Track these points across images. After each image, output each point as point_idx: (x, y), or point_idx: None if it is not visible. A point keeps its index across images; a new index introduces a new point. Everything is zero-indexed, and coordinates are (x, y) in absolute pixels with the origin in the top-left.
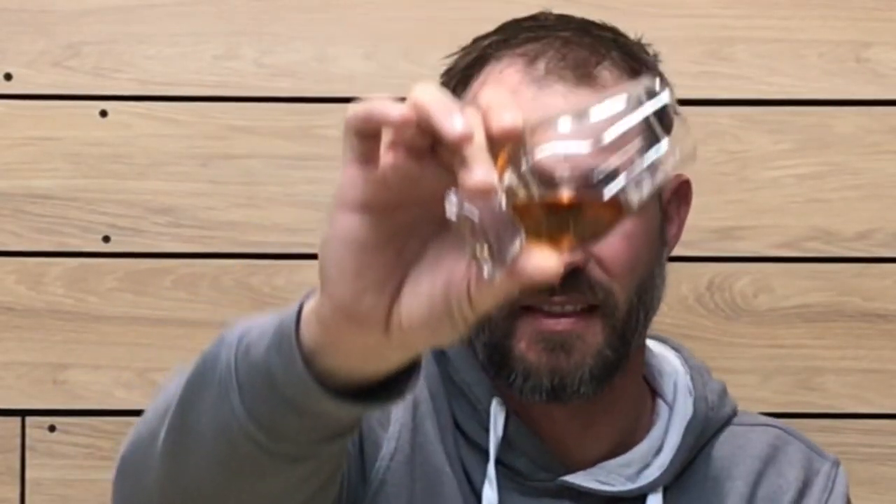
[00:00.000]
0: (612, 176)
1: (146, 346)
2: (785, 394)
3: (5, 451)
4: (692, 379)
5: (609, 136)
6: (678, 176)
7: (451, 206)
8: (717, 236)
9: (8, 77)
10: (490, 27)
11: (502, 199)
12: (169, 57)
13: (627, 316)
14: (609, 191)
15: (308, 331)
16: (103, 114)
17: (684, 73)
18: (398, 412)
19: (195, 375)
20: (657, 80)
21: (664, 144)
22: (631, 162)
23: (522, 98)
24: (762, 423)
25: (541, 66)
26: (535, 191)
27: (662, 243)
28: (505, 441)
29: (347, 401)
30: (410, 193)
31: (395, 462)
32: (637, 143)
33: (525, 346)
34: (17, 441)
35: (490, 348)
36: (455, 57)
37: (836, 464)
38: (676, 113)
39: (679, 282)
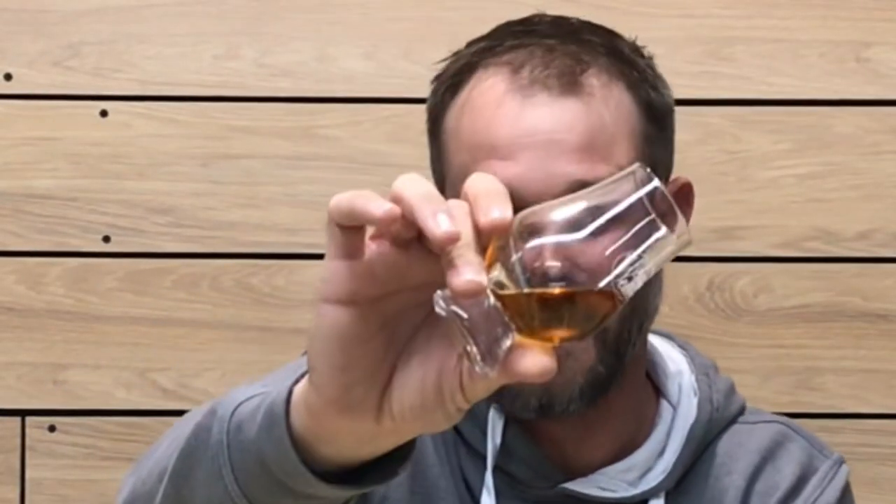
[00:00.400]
0: (604, 266)
1: (146, 346)
2: (785, 394)
3: (5, 451)
4: (697, 379)
5: (600, 224)
6: (678, 178)
7: (440, 306)
8: (717, 236)
9: (8, 77)
10: (490, 27)
11: (491, 297)
12: (169, 57)
13: (620, 329)
14: (602, 282)
15: (298, 419)
16: (103, 114)
17: (684, 73)
18: None
19: (187, 447)
20: (647, 169)
21: (660, 230)
22: (624, 250)
23: (506, 110)
24: (767, 419)
25: (525, 74)
26: (526, 284)
27: None
28: (504, 449)
29: (341, 484)
30: (398, 283)
31: (395, 480)
32: (629, 230)
33: None
34: (17, 441)
35: None
36: (446, 63)
37: (838, 462)
38: (667, 199)
39: (679, 282)
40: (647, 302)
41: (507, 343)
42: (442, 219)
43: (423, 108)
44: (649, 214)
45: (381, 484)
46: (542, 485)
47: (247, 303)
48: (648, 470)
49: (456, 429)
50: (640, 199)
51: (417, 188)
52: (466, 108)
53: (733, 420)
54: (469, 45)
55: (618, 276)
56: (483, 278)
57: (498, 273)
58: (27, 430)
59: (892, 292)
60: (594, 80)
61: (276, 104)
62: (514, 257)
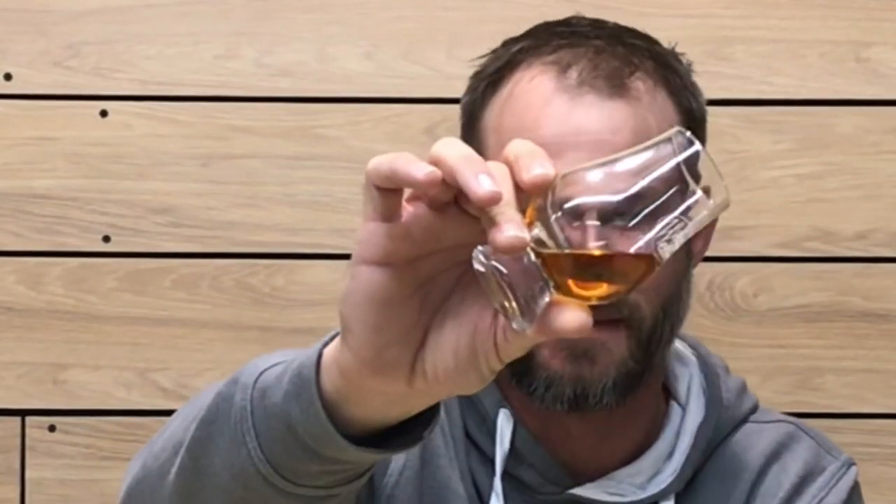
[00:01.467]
0: (642, 227)
1: (146, 346)
2: (785, 394)
3: (5, 451)
4: (706, 378)
5: (639, 186)
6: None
7: (479, 262)
8: (717, 236)
9: (8, 77)
10: (490, 27)
11: (531, 253)
12: (169, 57)
13: (653, 329)
14: (640, 243)
15: (329, 380)
16: (103, 114)
17: None
18: None
19: (208, 416)
20: (687, 132)
21: (696, 194)
22: (662, 212)
23: (555, 108)
24: (778, 419)
25: (573, 75)
26: (565, 243)
27: (688, 257)
28: (513, 453)
29: (369, 447)
30: (433, 244)
31: (404, 478)
32: (668, 193)
33: (549, 353)
34: (17, 441)
35: None
36: (484, 60)
37: (847, 464)
38: (708, 162)
39: None
40: (679, 307)
41: (545, 300)
42: (484, 179)
43: (423, 107)
44: (687, 178)
45: (406, 449)
46: (551, 490)
47: (247, 303)
48: (657, 473)
49: (466, 432)
50: (679, 163)
51: (458, 150)
52: (509, 104)
53: (745, 419)
54: (507, 43)
55: (656, 238)
56: (525, 234)
57: (538, 231)
58: (27, 430)
59: (892, 292)
60: (640, 84)
61: (276, 104)
62: (554, 217)
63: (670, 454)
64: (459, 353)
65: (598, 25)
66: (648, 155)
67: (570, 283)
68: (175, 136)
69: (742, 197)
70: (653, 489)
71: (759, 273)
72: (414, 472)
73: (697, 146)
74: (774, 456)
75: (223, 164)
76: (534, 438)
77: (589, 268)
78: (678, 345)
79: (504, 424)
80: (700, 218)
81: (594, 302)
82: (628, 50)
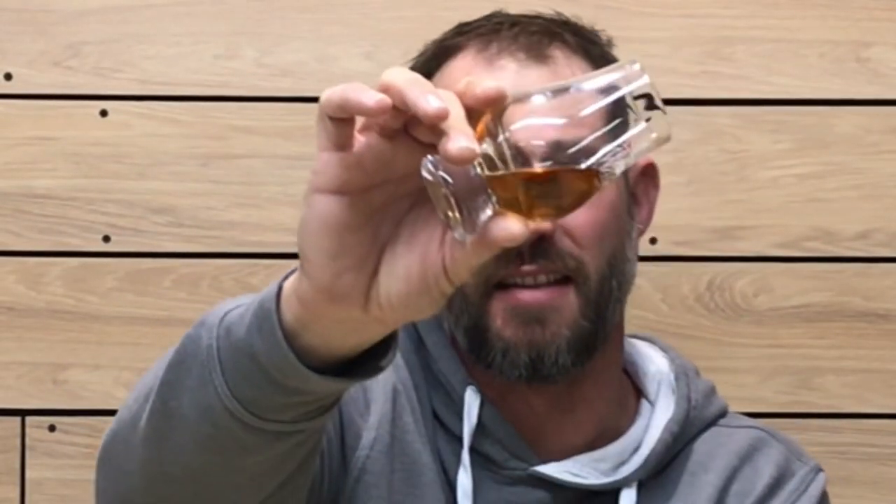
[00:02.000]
0: (586, 151)
1: (146, 346)
2: (785, 394)
3: (5, 451)
4: (677, 378)
5: (586, 111)
6: (644, 158)
7: (427, 170)
8: (717, 236)
9: (8, 77)
10: None
11: (477, 168)
12: (169, 57)
13: (600, 286)
14: (584, 164)
15: (289, 310)
16: (103, 114)
17: (684, 73)
18: (378, 402)
19: (176, 358)
20: (637, 64)
21: (640, 125)
22: (606, 139)
23: (474, 76)
24: (749, 425)
25: (493, 47)
26: (511, 161)
27: (630, 216)
28: (479, 429)
29: (330, 377)
30: (385, 173)
31: (375, 451)
32: (613, 121)
33: (501, 322)
34: (17, 441)
35: (470, 332)
36: (415, 60)
37: (816, 470)
38: (654, 96)
39: (679, 282)
40: (625, 267)
41: (488, 213)
42: (432, 98)
43: None
44: (633, 108)
45: (365, 379)
46: (516, 466)
47: None
48: (623, 463)
49: (435, 414)
50: (627, 93)
51: (406, 75)
52: (443, 87)
53: (713, 422)
54: (435, 42)
55: (599, 161)
56: (475, 146)
57: (486, 147)
58: (27, 430)
59: (892, 292)
60: (559, 52)
61: (276, 104)
62: (502, 136)
63: (637, 448)
64: (411, 278)
65: (517, 15)
66: (598, 82)
67: (514, 198)
68: (175, 135)
69: (742, 197)
70: (616, 476)
71: (759, 273)
72: (385, 447)
73: (646, 78)
74: (746, 457)
75: (223, 164)
76: (499, 414)
77: (532, 185)
78: (649, 347)
79: (472, 400)
80: (641, 148)
81: (536, 218)
82: (547, 22)
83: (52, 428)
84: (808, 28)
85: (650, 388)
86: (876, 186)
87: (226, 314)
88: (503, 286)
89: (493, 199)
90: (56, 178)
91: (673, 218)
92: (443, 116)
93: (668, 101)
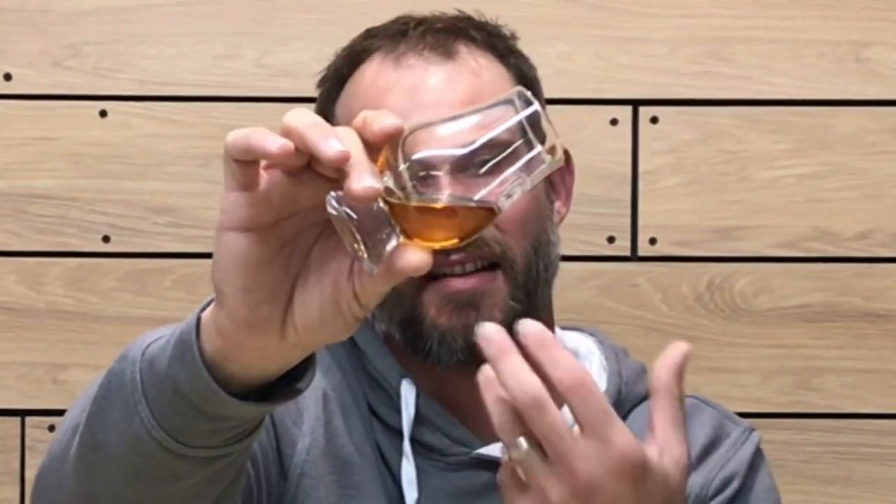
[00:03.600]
0: (485, 178)
1: None
2: (785, 394)
3: (5, 451)
4: (606, 357)
5: (482, 140)
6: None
7: (332, 206)
8: (717, 236)
9: (8, 77)
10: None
11: (380, 202)
12: (169, 57)
13: (527, 270)
14: (480, 194)
15: (209, 341)
16: (103, 114)
17: (684, 73)
18: (310, 409)
19: (101, 393)
20: (528, 91)
21: (534, 150)
22: (503, 166)
23: (392, 81)
24: None
25: (401, 48)
26: (411, 192)
27: (549, 200)
28: (418, 420)
29: (252, 402)
30: (291, 207)
31: (312, 456)
32: (509, 148)
33: (435, 311)
34: (17, 441)
35: (405, 324)
36: (327, 68)
37: (749, 430)
38: (545, 120)
39: (679, 282)
40: (549, 250)
41: (392, 243)
42: (332, 141)
43: None
44: (527, 135)
45: (286, 401)
46: (458, 451)
47: None
48: None
49: (373, 411)
50: (519, 121)
51: (305, 119)
52: (354, 91)
53: (646, 397)
54: (345, 48)
55: (496, 191)
56: (378, 184)
57: (387, 180)
58: (27, 430)
59: (892, 292)
60: (464, 48)
61: (276, 104)
62: (402, 167)
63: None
64: (324, 304)
65: (423, 17)
66: (491, 112)
67: (415, 229)
68: (174, 136)
69: (742, 197)
70: None
71: (759, 273)
72: (321, 450)
73: (536, 106)
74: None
75: (223, 165)
76: (437, 403)
77: (433, 216)
78: (576, 334)
79: (407, 392)
80: (538, 171)
81: (437, 247)
82: (452, 20)
83: (51, 428)
84: (808, 28)
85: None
86: (876, 186)
87: (147, 346)
88: (433, 277)
89: (397, 230)
90: (56, 178)
91: (673, 218)
92: (343, 160)
93: (668, 102)
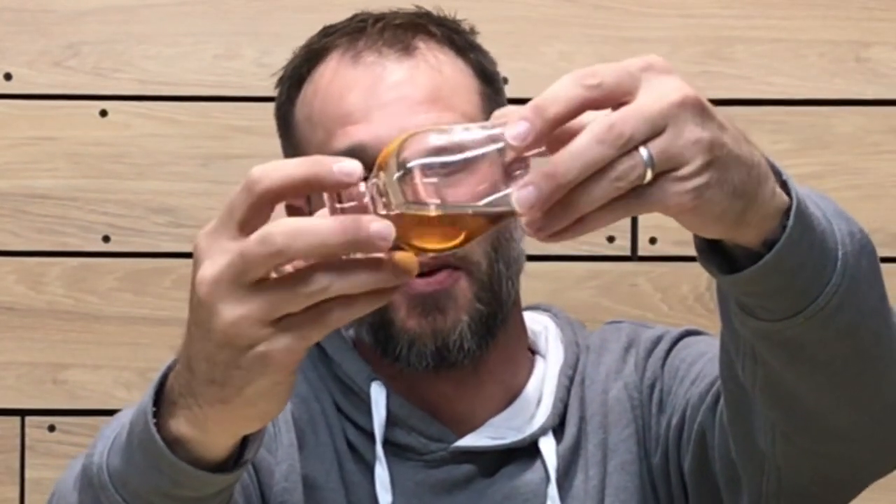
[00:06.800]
0: (477, 192)
1: (146, 346)
2: None
3: (5, 451)
4: (561, 329)
5: (477, 154)
6: None
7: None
8: None
9: (8, 77)
10: (490, 27)
11: (371, 207)
12: (169, 57)
13: (490, 269)
14: (473, 207)
15: (175, 429)
16: (103, 114)
17: (684, 73)
18: (282, 435)
19: (83, 490)
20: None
21: (527, 169)
22: (496, 180)
23: (352, 79)
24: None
25: (360, 45)
26: (404, 202)
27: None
28: (391, 421)
29: (223, 472)
30: None
31: (290, 482)
32: (502, 163)
33: (404, 314)
34: (17, 441)
35: (374, 327)
36: (284, 67)
37: (668, 331)
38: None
39: (679, 282)
40: (510, 248)
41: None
42: (376, 225)
43: None
44: (521, 156)
45: (247, 465)
46: (436, 448)
47: None
48: (532, 416)
49: (343, 412)
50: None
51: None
52: (314, 91)
53: None
54: (303, 47)
55: (487, 204)
56: (391, 230)
57: (380, 189)
58: (27, 430)
59: (892, 292)
60: (422, 43)
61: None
62: (395, 176)
63: (540, 399)
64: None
65: (381, 13)
66: (488, 128)
67: (408, 237)
68: (175, 135)
69: None
70: (530, 429)
71: None
72: (298, 475)
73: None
74: (625, 349)
75: (223, 164)
76: (409, 403)
77: (423, 225)
78: (533, 312)
79: (377, 394)
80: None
81: (429, 254)
82: (411, 16)
83: (51, 428)
84: (808, 28)
85: (539, 343)
86: (876, 186)
87: (111, 471)
88: None
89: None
90: (56, 178)
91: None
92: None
93: None
